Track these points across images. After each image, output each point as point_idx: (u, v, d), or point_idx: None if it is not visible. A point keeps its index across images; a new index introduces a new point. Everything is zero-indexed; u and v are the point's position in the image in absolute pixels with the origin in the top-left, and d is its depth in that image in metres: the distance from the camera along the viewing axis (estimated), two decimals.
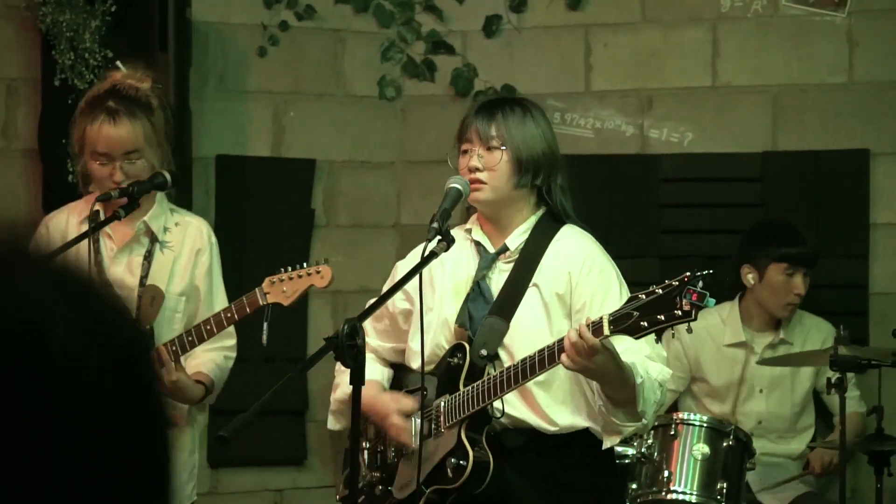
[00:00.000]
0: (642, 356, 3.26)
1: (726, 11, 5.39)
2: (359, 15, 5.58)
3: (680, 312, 3.01)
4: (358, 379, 2.80)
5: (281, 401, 4.74)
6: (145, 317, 3.75)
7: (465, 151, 3.41)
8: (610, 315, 3.08)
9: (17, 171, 5.12)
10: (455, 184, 3.30)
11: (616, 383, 3.16)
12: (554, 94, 5.48)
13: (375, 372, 3.57)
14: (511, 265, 3.43)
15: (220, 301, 3.86)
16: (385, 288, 3.57)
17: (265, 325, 3.63)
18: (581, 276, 3.37)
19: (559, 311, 3.37)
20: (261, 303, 3.66)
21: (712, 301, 3.03)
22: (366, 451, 3.60)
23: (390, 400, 3.51)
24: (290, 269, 3.69)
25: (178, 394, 3.72)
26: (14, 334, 0.83)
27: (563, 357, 3.09)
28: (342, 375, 3.55)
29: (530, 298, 3.39)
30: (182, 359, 3.73)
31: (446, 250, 3.13)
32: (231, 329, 3.83)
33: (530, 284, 3.40)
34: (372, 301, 3.47)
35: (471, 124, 3.41)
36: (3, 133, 5.15)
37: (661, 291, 3.05)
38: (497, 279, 3.44)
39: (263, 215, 5.44)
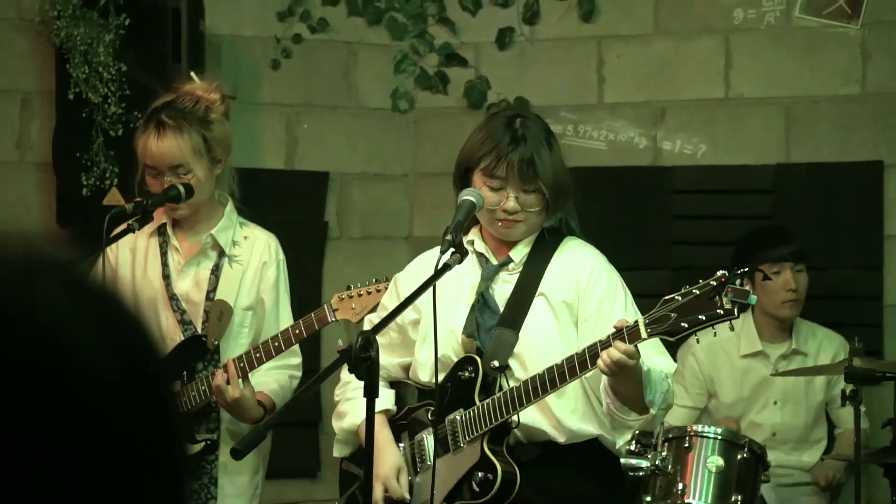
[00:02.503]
0: (647, 349, 3.26)
1: (739, 23, 5.38)
2: (372, 27, 5.59)
3: (722, 311, 3.02)
4: (371, 392, 2.80)
5: (294, 413, 4.74)
6: (213, 332, 3.71)
7: (498, 189, 3.35)
8: (646, 318, 3.09)
9: (31, 184, 5.13)
10: (469, 196, 3.29)
11: (628, 376, 3.16)
12: (567, 105, 5.49)
13: (384, 400, 3.49)
14: (515, 276, 3.44)
15: (286, 316, 3.82)
16: (386, 300, 3.57)
17: (340, 342, 3.62)
18: (588, 286, 3.37)
19: (567, 320, 3.38)
20: (329, 320, 3.64)
21: (754, 298, 3.05)
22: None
23: (391, 467, 3.46)
24: (358, 285, 3.67)
25: (238, 411, 3.67)
26: (34, 346, 0.83)
27: (605, 369, 3.11)
28: (347, 403, 3.53)
29: (538, 308, 3.39)
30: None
31: (460, 262, 3.12)
32: (296, 347, 3.78)
33: (537, 294, 3.40)
34: (378, 315, 3.47)
35: (509, 164, 3.33)
36: (17, 146, 5.16)
37: (697, 291, 3.06)
38: (501, 290, 3.44)
39: (276, 227, 5.42)
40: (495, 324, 3.39)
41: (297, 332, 3.64)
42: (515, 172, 3.33)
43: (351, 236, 5.59)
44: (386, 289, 3.62)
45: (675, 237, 5.39)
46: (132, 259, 3.78)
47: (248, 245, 3.81)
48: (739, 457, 3.80)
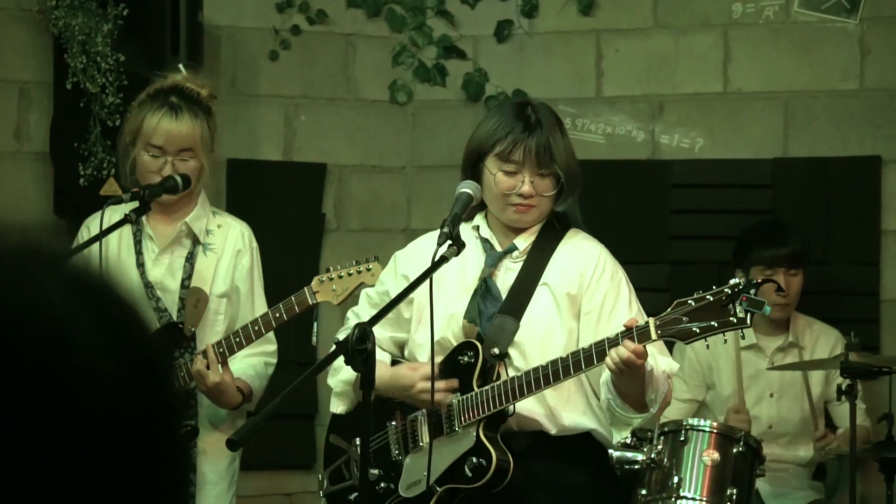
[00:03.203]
0: (649, 347, 3.26)
1: (738, 17, 5.38)
2: (370, 19, 5.58)
3: (735, 319, 3.03)
4: (368, 383, 2.80)
5: (291, 405, 4.74)
6: (189, 319, 3.73)
7: (513, 173, 3.37)
8: (657, 319, 3.09)
9: (28, 174, 5.13)
10: (466, 188, 3.30)
11: (632, 376, 3.17)
12: (565, 99, 5.48)
13: (382, 356, 3.49)
14: (519, 264, 3.44)
15: (260, 303, 3.85)
16: (385, 277, 3.58)
17: (315, 325, 3.62)
18: (593, 279, 3.38)
19: (569, 311, 3.39)
20: (310, 302, 3.65)
21: (768, 308, 3.04)
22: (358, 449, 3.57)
23: (408, 369, 3.44)
24: (339, 267, 3.67)
25: (218, 397, 3.69)
26: (33, 339, 0.83)
27: (612, 366, 3.11)
28: (341, 361, 3.51)
29: (541, 297, 3.40)
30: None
31: (457, 255, 3.13)
32: (272, 335, 3.80)
33: (540, 284, 3.41)
34: (376, 291, 3.47)
35: (527, 147, 3.35)
36: (15, 136, 5.16)
37: (711, 298, 3.06)
38: (504, 278, 3.44)
39: (274, 219, 5.44)
40: (497, 311, 3.40)
41: (278, 315, 3.65)
42: (532, 157, 3.34)
43: (349, 228, 5.59)
44: (367, 270, 3.63)
45: (673, 231, 5.38)
46: (105, 248, 3.79)
47: (222, 233, 3.83)
48: (735, 450, 3.80)
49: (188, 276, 3.76)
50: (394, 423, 3.53)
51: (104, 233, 3.70)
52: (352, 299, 3.74)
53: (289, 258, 5.13)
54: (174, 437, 0.91)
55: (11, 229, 0.89)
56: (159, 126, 3.68)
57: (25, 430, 0.82)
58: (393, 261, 3.60)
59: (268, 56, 5.45)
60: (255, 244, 3.88)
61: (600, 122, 5.49)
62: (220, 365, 3.63)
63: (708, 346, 3.30)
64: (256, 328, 3.65)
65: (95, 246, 3.76)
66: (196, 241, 3.80)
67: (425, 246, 3.43)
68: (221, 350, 3.65)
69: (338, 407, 3.59)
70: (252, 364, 3.81)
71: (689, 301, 3.08)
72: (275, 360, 3.87)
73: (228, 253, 3.82)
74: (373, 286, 3.64)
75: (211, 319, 3.77)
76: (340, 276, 3.65)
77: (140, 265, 3.76)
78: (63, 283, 0.88)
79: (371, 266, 3.64)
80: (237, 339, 3.65)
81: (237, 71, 5.42)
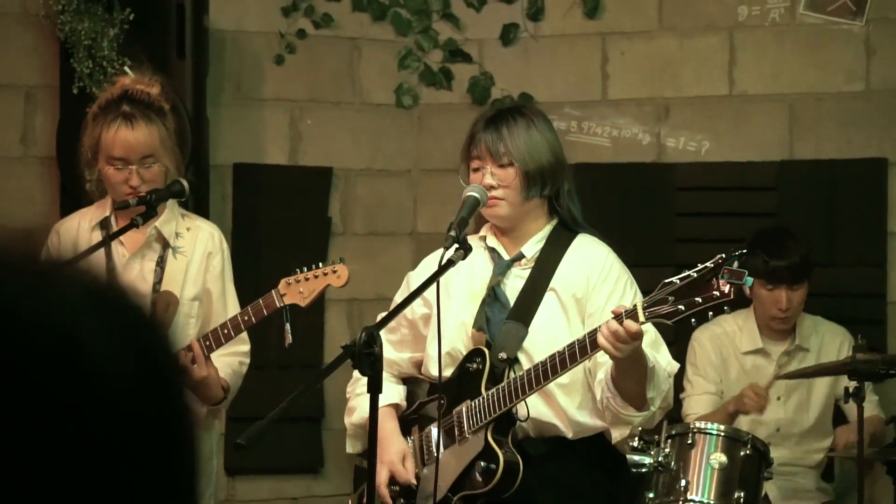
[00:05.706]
0: (649, 347, 3.27)
1: (743, 20, 5.38)
2: (376, 23, 5.59)
3: (718, 293, 2.99)
4: (375, 387, 2.80)
5: (297, 409, 4.74)
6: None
7: (477, 169, 3.43)
8: (644, 301, 3.09)
9: (35, 179, 5.14)
10: (472, 192, 3.31)
11: (633, 370, 3.17)
12: (571, 102, 5.48)
13: (393, 394, 3.54)
14: (527, 272, 3.46)
15: (233, 304, 3.85)
16: (398, 298, 3.58)
17: (287, 326, 3.62)
18: (598, 282, 3.39)
19: (576, 314, 3.40)
20: (277, 304, 3.65)
21: (750, 280, 3.01)
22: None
23: (396, 453, 3.49)
24: (305, 269, 3.68)
25: (203, 391, 3.70)
26: (46, 343, 0.84)
27: (605, 343, 3.07)
28: (357, 399, 3.55)
29: (548, 303, 3.41)
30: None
31: (464, 258, 3.14)
32: (244, 335, 3.82)
33: (547, 289, 3.42)
34: (386, 313, 3.48)
35: (479, 141, 3.42)
36: (21, 140, 5.17)
37: (695, 275, 3.05)
38: (512, 285, 3.45)
39: (280, 223, 5.45)
40: (505, 317, 3.41)
41: (247, 318, 3.66)
42: (486, 147, 3.40)
43: (354, 232, 5.59)
44: (334, 272, 3.64)
45: (679, 234, 5.38)
46: (74, 253, 3.79)
47: (192, 236, 3.83)
48: (742, 453, 3.80)
49: (159, 280, 3.76)
50: (411, 437, 3.54)
51: (112, 236, 3.70)
52: (319, 308, 3.75)
53: (294, 262, 5.12)
54: (187, 440, 0.91)
55: (25, 237, 0.89)
56: (116, 138, 3.68)
57: (39, 434, 0.82)
58: (405, 281, 3.62)
59: (273, 60, 5.45)
60: (225, 245, 3.88)
61: (606, 124, 5.49)
62: (205, 359, 3.64)
63: (694, 324, 3.26)
64: (226, 331, 3.66)
65: (63, 253, 3.76)
66: (166, 245, 3.79)
67: (434, 261, 3.45)
68: (209, 343, 3.65)
69: (353, 447, 3.65)
70: (228, 363, 3.82)
71: (675, 280, 3.07)
72: (248, 360, 3.89)
73: (198, 255, 3.82)
74: (342, 287, 3.67)
75: (182, 322, 3.77)
76: (307, 279, 3.65)
77: (110, 270, 3.76)
78: (75, 287, 0.88)
79: (337, 268, 3.64)
80: (207, 343, 3.66)
81: (242, 75, 5.43)
